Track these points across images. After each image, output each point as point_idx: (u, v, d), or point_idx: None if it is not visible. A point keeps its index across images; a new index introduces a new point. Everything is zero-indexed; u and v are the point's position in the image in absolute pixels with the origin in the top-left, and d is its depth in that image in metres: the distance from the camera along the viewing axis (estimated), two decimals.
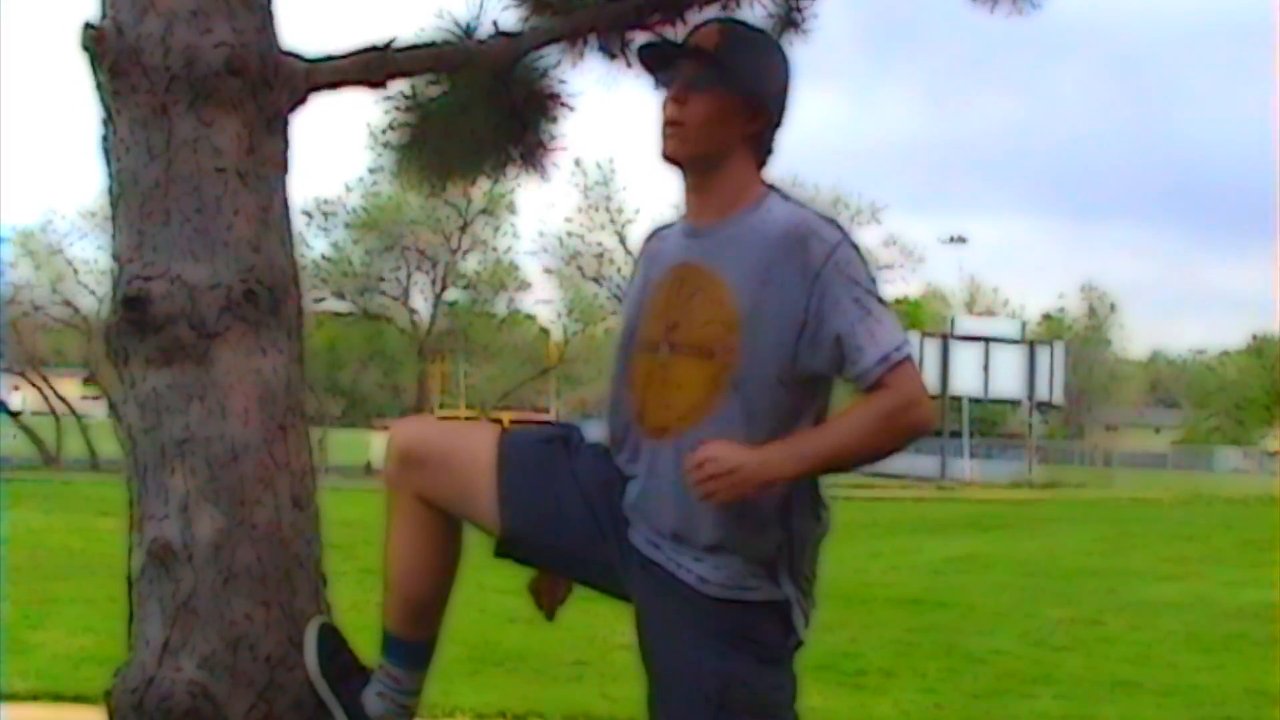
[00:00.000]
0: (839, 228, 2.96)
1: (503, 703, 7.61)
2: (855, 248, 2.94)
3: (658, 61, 3.14)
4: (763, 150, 3.08)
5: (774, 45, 3.21)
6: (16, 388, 46.62)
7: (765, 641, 2.99)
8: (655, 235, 3.27)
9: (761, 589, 2.97)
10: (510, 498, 3.13)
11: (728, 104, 3.01)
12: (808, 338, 2.89)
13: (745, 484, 2.83)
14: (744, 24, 3.32)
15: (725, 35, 3.08)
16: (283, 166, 3.47)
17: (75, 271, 42.60)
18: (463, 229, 44.15)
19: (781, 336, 2.90)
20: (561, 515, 3.14)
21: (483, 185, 5.33)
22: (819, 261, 2.88)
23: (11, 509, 20.19)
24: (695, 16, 4.53)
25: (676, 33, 4.53)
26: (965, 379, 53.03)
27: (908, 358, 2.91)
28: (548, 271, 48.63)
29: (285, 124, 3.49)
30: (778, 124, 3.09)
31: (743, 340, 2.92)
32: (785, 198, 3.03)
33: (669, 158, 3.05)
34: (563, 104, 4.82)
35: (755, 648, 2.97)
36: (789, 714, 3.04)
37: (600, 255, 47.47)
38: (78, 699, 7.14)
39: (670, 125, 3.02)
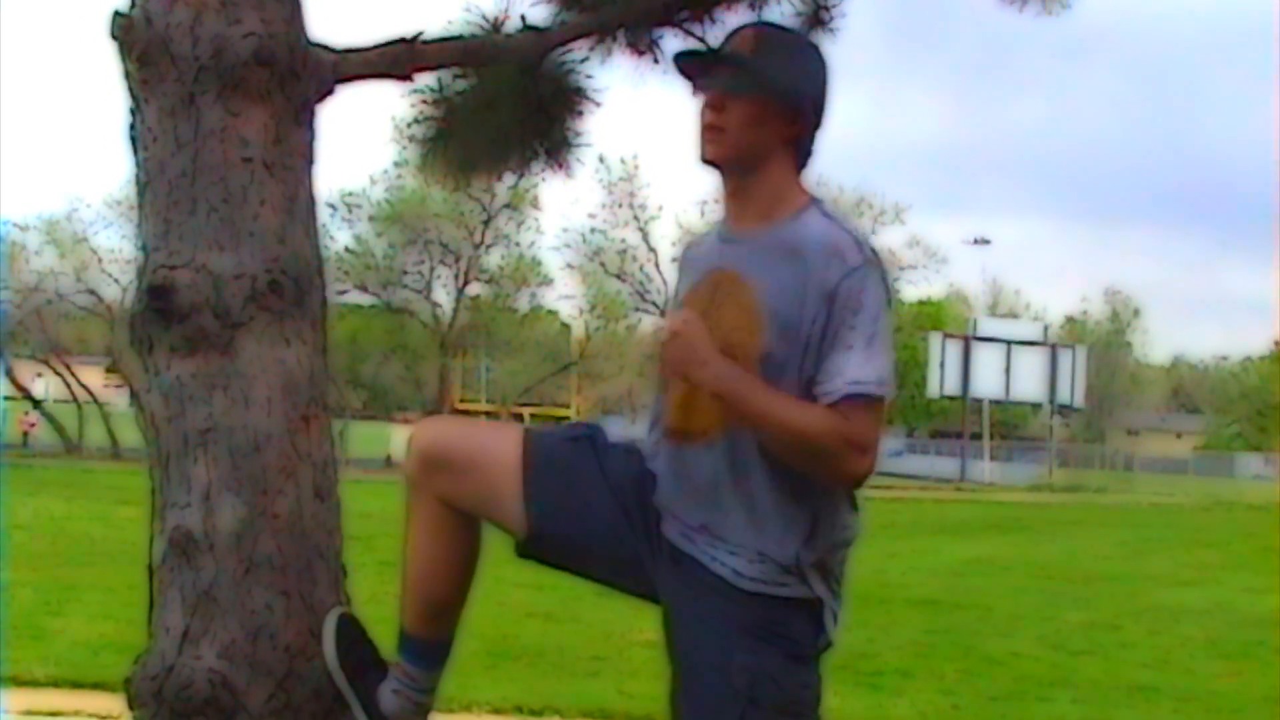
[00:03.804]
0: (867, 253, 2.91)
1: (520, 697, 7.63)
2: (880, 278, 2.91)
3: (694, 68, 3.12)
4: (802, 154, 3.06)
5: (811, 48, 3.19)
6: (39, 375, 46.77)
7: (796, 639, 2.98)
8: (693, 244, 3.28)
9: (794, 586, 2.96)
10: (536, 497, 3.13)
11: (765, 108, 3.00)
12: (810, 354, 2.88)
13: (681, 362, 2.90)
14: (780, 27, 3.31)
15: (761, 40, 3.07)
16: (309, 158, 3.47)
17: (100, 260, 42.77)
18: (486, 223, 44.23)
19: (794, 349, 2.89)
20: (590, 513, 3.13)
21: (507, 180, 5.33)
22: (834, 281, 2.86)
23: (33, 496, 20.30)
24: (723, 14, 4.53)
25: (704, 30, 4.53)
26: (986, 381, 52.98)
27: (875, 400, 2.85)
28: (570, 267, 48.72)
29: (312, 115, 3.49)
30: (817, 127, 3.07)
31: (766, 348, 2.91)
32: (825, 212, 3.00)
33: (709, 161, 3.04)
34: (589, 100, 4.82)
35: (786, 644, 2.97)
36: (815, 714, 3.03)
37: (623, 251, 47.51)
38: (97, 686, 7.18)
39: (709, 130, 3.01)
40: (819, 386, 2.85)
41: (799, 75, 3.03)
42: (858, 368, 2.83)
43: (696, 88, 3.07)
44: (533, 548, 3.17)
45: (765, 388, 2.88)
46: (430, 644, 3.29)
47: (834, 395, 2.83)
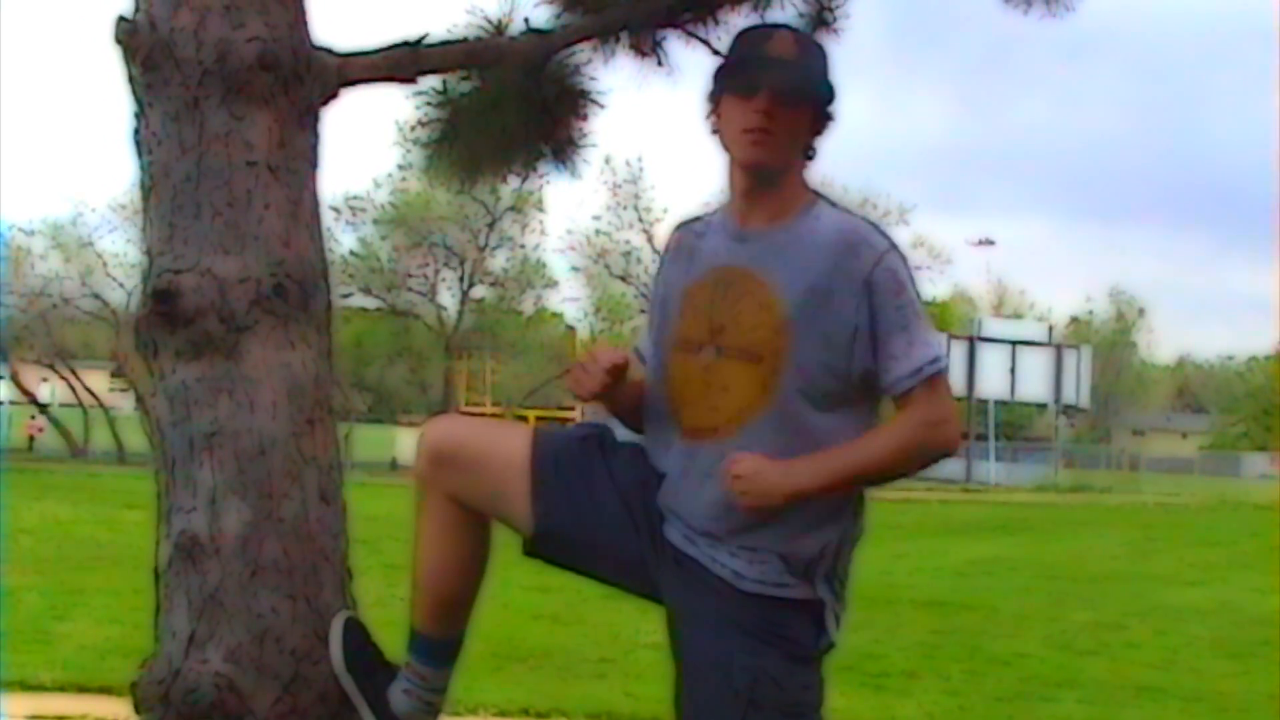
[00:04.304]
0: (887, 236, 3.00)
1: (526, 700, 7.62)
2: (903, 257, 2.98)
3: (738, 71, 3.05)
4: (812, 156, 3.10)
5: (824, 49, 3.20)
6: (45, 380, 46.77)
7: (797, 640, 2.99)
8: (686, 228, 3.24)
9: (796, 587, 2.97)
10: (544, 495, 3.13)
11: (810, 114, 3.03)
12: (861, 344, 2.93)
13: (768, 495, 2.92)
14: (797, 29, 3.29)
15: (802, 45, 3.07)
16: (313, 161, 3.48)
17: (105, 264, 42.72)
18: (491, 226, 44.19)
19: (832, 342, 2.93)
20: (596, 512, 3.14)
21: (511, 182, 5.33)
22: (868, 268, 2.92)
23: (39, 500, 20.30)
24: (726, 15, 4.53)
25: (708, 32, 4.53)
26: (992, 381, 52.88)
27: (940, 374, 2.96)
28: (575, 269, 48.68)
29: (316, 119, 3.50)
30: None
31: (791, 345, 2.93)
32: (833, 204, 3.06)
33: (756, 164, 3.02)
34: (593, 102, 4.82)
35: (787, 645, 2.98)
36: (816, 715, 3.04)
37: (628, 254, 47.47)
38: (103, 690, 7.17)
39: (758, 133, 2.98)
40: (885, 377, 2.94)
41: (831, 84, 3.06)
42: (916, 350, 2.93)
43: (735, 88, 3.02)
44: (539, 546, 3.18)
45: (839, 452, 2.96)
46: (441, 642, 3.30)
47: (900, 388, 2.94)
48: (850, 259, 2.92)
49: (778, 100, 2.97)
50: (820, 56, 3.09)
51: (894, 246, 2.98)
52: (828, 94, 3.04)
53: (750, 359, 2.96)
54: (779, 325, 2.94)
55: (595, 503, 3.14)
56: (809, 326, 2.92)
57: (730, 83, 3.03)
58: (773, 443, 2.94)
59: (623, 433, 3.25)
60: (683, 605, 3.07)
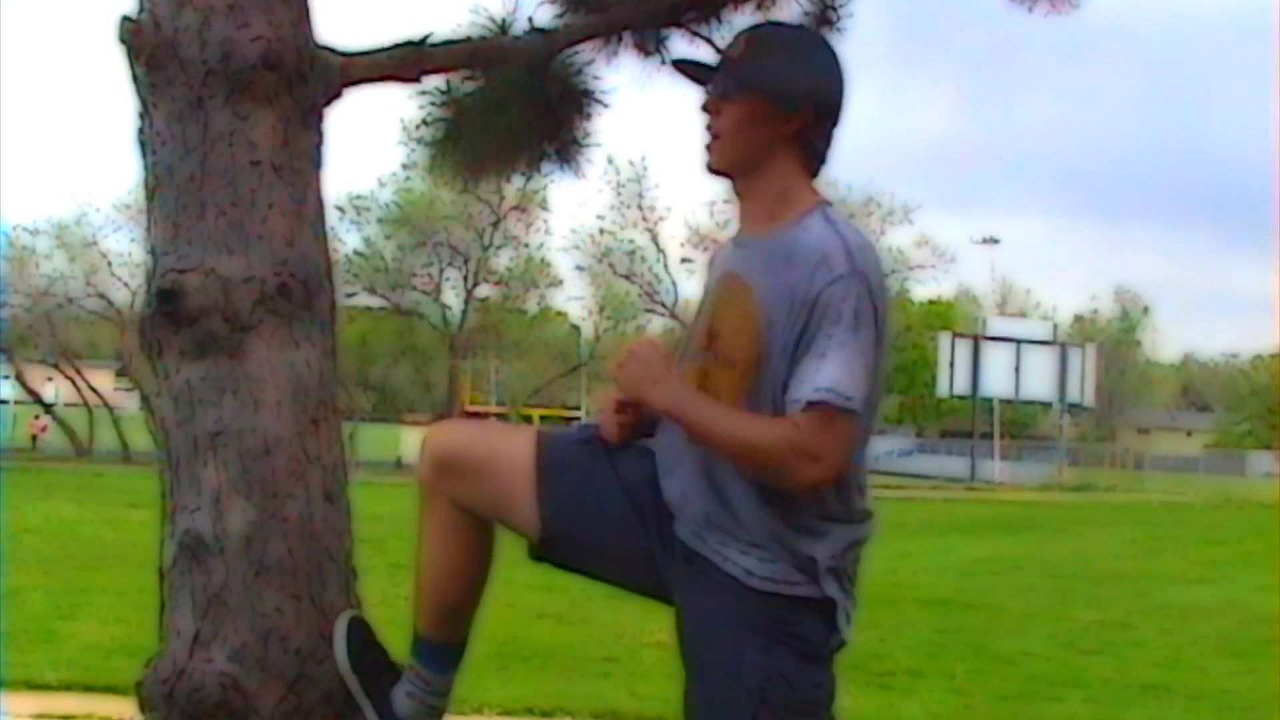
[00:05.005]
0: (857, 262, 2.86)
1: (531, 699, 7.63)
2: (865, 289, 2.84)
3: (696, 77, 3.11)
4: (809, 153, 3.03)
5: (816, 44, 3.18)
6: (49, 379, 46.85)
7: (808, 638, 2.98)
8: (720, 246, 3.26)
9: (806, 586, 2.95)
10: (551, 499, 3.12)
11: (756, 108, 2.98)
12: (785, 359, 2.86)
13: (634, 384, 2.99)
14: (783, 25, 3.29)
15: (752, 41, 3.06)
16: (317, 160, 3.48)
17: (109, 264, 42.81)
18: (495, 225, 44.25)
19: (785, 355, 2.89)
20: (604, 514, 3.13)
21: (515, 182, 5.34)
22: (817, 288, 2.83)
23: (44, 500, 20.34)
24: (730, 14, 4.53)
25: (712, 30, 4.53)
26: (996, 380, 52.96)
27: (840, 412, 2.80)
28: (579, 268, 48.72)
29: (320, 118, 3.50)
30: (826, 124, 3.04)
31: (764, 355, 2.90)
32: (829, 216, 2.96)
33: (713, 170, 3.05)
34: (597, 101, 4.82)
35: (798, 644, 2.96)
36: (827, 714, 3.03)
37: (632, 253, 47.51)
38: (108, 689, 7.18)
39: (707, 137, 3.02)
40: (787, 394, 2.84)
41: (791, 71, 3.00)
42: (825, 376, 2.79)
43: (705, 94, 3.07)
44: (546, 550, 3.17)
45: (714, 404, 2.93)
46: (444, 646, 3.28)
47: (795, 405, 2.81)
48: (809, 276, 2.84)
49: (718, 101, 3.00)
50: (781, 51, 3.05)
51: (858, 273, 2.84)
52: (772, 86, 2.98)
53: (729, 366, 2.95)
54: (755, 334, 2.91)
55: (602, 504, 3.13)
56: (775, 339, 2.88)
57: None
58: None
59: None
60: (692, 603, 3.06)
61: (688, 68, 3.14)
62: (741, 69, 3.01)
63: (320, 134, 3.50)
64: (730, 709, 2.95)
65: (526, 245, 46.47)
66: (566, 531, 3.13)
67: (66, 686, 7.51)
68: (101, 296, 42.91)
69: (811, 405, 2.79)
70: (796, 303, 2.85)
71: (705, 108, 3.03)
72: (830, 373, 2.79)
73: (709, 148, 3.03)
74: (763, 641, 2.94)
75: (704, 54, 4.36)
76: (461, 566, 3.22)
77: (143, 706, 3.31)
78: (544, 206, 44.69)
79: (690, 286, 43.19)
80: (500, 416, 47.39)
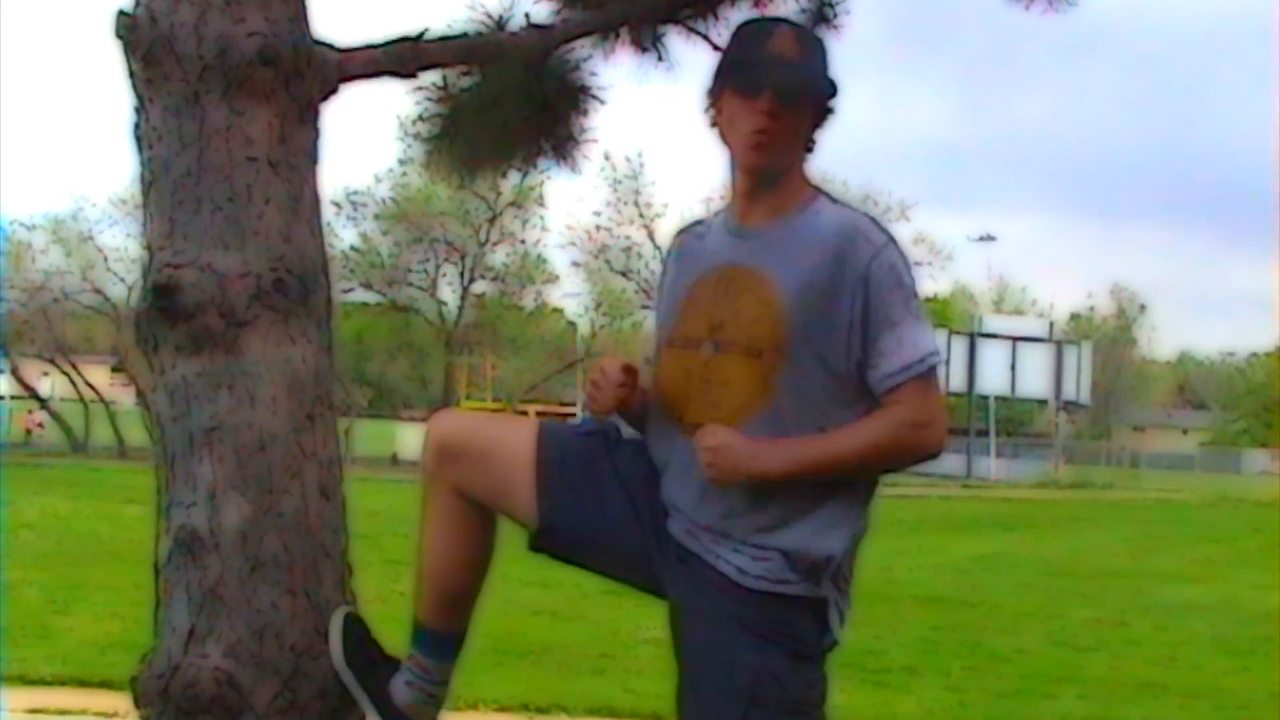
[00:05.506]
0: (886, 231, 2.98)
1: (526, 695, 7.62)
2: (901, 253, 2.97)
3: (741, 73, 3.04)
4: (811, 147, 3.09)
5: (824, 45, 3.20)
6: (45, 374, 46.80)
7: (800, 638, 2.99)
8: (688, 231, 3.25)
9: (799, 584, 2.96)
10: (550, 490, 3.14)
11: (813, 116, 3.04)
12: (854, 339, 2.92)
13: (734, 471, 2.92)
14: (798, 25, 3.28)
15: (804, 43, 3.06)
16: (313, 156, 3.48)
17: (105, 259, 42.69)
18: (491, 221, 44.16)
19: (831, 337, 2.92)
20: (602, 508, 3.14)
21: (512, 178, 5.34)
22: (864, 262, 2.91)
23: (39, 495, 20.31)
24: (726, 11, 4.53)
25: (708, 27, 4.53)
26: (992, 377, 52.95)
27: (930, 372, 2.93)
28: (575, 265, 48.60)
29: (317, 114, 3.50)
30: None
31: (790, 340, 2.93)
32: (832, 200, 3.05)
33: (760, 167, 3.02)
34: (593, 97, 4.82)
35: (790, 643, 2.97)
36: (819, 713, 3.04)
37: (628, 249, 47.41)
38: (103, 685, 7.17)
39: (761, 134, 2.98)
40: (873, 371, 2.92)
41: (831, 78, 3.05)
42: (906, 347, 2.91)
43: (738, 88, 3.02)
44: (544, 541, 3.18)
45: (814, 439, 2.94)
46: (444, 635, 3.30)
47: (887, 385, 2.91)
48: (848, 253, 2.91)
49: (781, 102, 2.97)
50: (821, 53, 3.08)
51: (892, 241, 2.97)
52: (829, 91, 3.03)
53: (751, 355, 2.96)
54: (778, 320, 2.93)
55: (600, 498, 3.14)
56: (808, 322, 2.92)
57: (733, 80, 3.03)
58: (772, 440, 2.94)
59: (628, 430, 3.24)
60: (685, 601, 3.07)
61: (741, 74, 3.05)
62: (802, 76, 3.01)
63: (317, 130, 3.50)
64: (722, 707, 2.96)
65: (523, 242, 46.38)
66: (565, 524, 3.14)
67: (61, 682, 7.50)
68: (98, 292, 42.80)
69: (908, 376, 2.90)
70: (843, 282, 2.91)
71: (768, 109, 2.96)
72: (910, 341, 2.92)
73: (759, 144, 2.99)
74: (754, 640, 2.95)
75: (699, 51, 4.37)
76: (463, 555, 3.23)
77: (138, 702, 3.31)
78: (540, 203, 44.61)
79: None
80: (497, 413, 47.31)
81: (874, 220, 3.01)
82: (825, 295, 2.91)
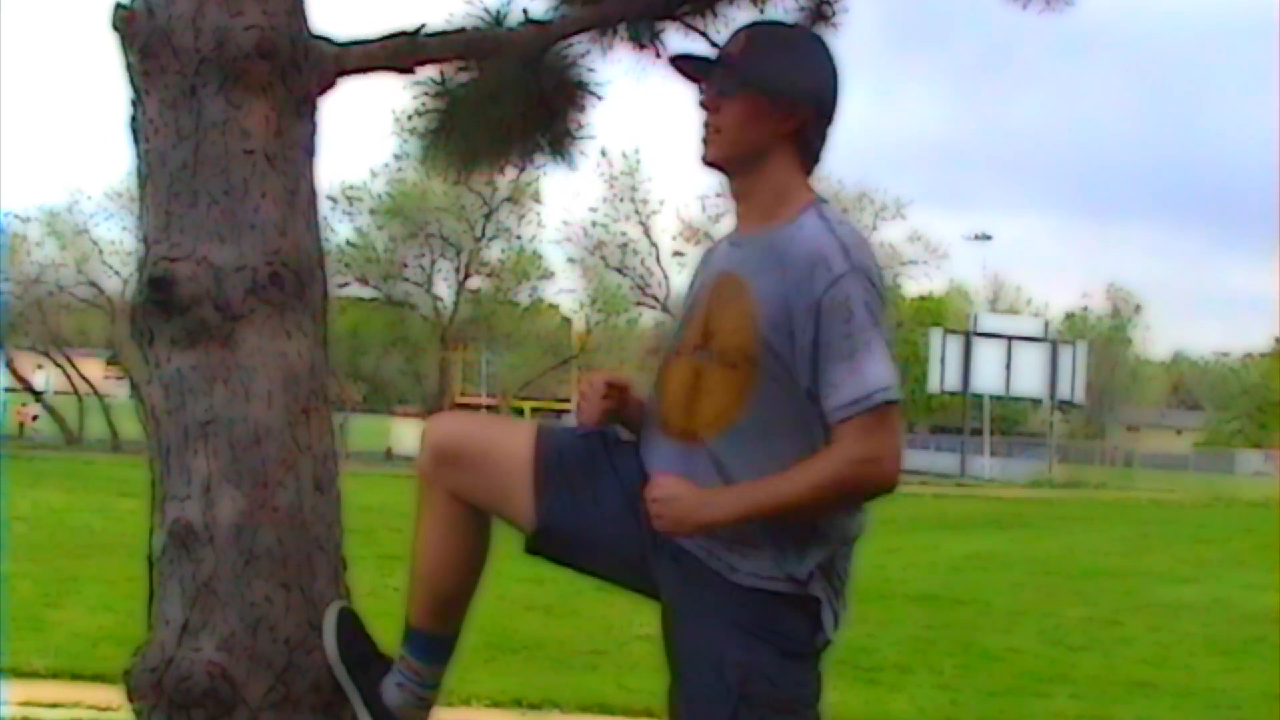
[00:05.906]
0: (854, 259, 2.88)
1: (519, 691, 7.64)
2: (865, 281, 2.87)
3: (694, 72, 3.13)
4: (806, 151, 3.05)
5: (811, 42, 3.19)
6: (40, 367, 46.78)
7: (791, 636, 2.97)
8: (712, 246, 3.27)
9: (791, 583, 2.95)
10: (547, 491, 3.13)
11: (757, 106, 3.00)
12: (807, 366, 2.87)
13: (681, 523, 2.92)
14: (780, 24, 3.30)
15: (751, 39, 3.07)
16: (310, 150, 3.47)
17: (100, 252, 42.73)
18: (487, 217, 44.19)
19: (795, 356, 2.88)
20: (599, 509, 3.13)
21: (508, 173, 5.33)
22: (818, 292, 2.84)
23: (33, 488, 20.30)
24: (725, 8, 4.53)
25: (706, 24, 4.52)
26: (987, 376, 53.00)
27: (883, 406, 2.83)
28: (571, 261, 48.66)
29: (313, 108, 3.49)
30: (823, 123, 3.06)
31: (762, 355, 2.90)
32: (823, 214, 2.97)
33: (709, 163, 3.07)
34: (590, 93, 4.82)
35: (780, 641, 2.96)
36: (811, 712, 3.02)
37: (624, 245, 47.48)
38: (96, 678, 7.18)
39: (706, 131, 3.04)
40: (824, 402, 2.85)
41: (792, 70, 3.02)
42: (857, 379, 2.82)
43: (700, 91, 3.08)
44: (541, 543, 3.17)
45: (763, 482, 2.90)
46: (436, 638, 3.29)
47: (835, 418, 2.84)
48: (804, 280, 2.86)
49: (716, 96, 3.01)
50: (780, 49, 3.07)
51: (857, 269, 2.87)
52: (774, 85, 3.00)
53: (728, 365, 2.94)
54: (755, 334, 2.91)
55: (598, 500, 3.13)
56: (776, 339, 2.88)
57: (696, 87, 3.09)
58: (745, 453, 2.92)
59: (626, 432, 3.24)
60: (677, 599, 3.06)
61: (683, 63, 3.16)
62: (741, 67, 3.02)
63: (313, 124, 3.49)
64: (711, 705, 2.95)
65: (519, 237, 46.41)
66: (562, 527, 3.13)
67: (54, 675, 7.51)
68: (93, 285, 42.82)
69: (857, 410, 2.82)
70: (796, 306, 2.86)
71: (704, 105, 3.04)
72: (862, 373, 2.82)
73: (706, 141, 3.05)
74: (745, 639, 2.94)
75: (698, 47, 4.37)
76: (457, 559, 3.22)
77: (130, 695, 3.30)
78: (537, 199, 44.64)
79: (682, 280, 43.16)
80: (491, 408, 47.38)
81: (848, 247, 2.90)
82: (783, 315, 2.88)
